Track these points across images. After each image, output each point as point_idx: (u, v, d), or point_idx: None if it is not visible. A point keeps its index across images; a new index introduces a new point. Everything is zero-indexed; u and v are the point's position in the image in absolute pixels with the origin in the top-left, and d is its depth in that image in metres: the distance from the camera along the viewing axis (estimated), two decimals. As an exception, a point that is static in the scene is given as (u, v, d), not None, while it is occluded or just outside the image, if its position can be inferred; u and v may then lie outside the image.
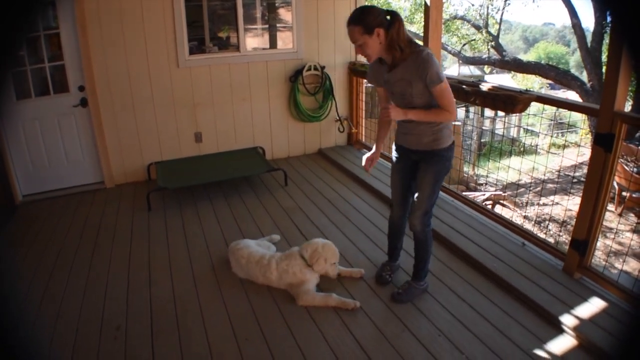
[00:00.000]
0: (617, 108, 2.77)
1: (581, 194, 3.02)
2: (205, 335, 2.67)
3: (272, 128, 5.58)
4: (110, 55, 4.59)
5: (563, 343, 2.58)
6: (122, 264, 3.49)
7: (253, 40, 5.44)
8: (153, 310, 2.91)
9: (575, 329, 2.61)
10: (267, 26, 5.67)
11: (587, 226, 2.96)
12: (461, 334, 2.65)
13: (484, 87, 3.74)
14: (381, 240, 3.72)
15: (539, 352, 2.50)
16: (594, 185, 2.88)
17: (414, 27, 15.21)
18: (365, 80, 6.28)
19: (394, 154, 2.98)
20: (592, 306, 2.77)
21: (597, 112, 2.86)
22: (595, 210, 2.90)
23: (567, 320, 2.67)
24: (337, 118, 5.88)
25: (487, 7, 13.66)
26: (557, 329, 2.67)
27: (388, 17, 2.50)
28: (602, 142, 2.80)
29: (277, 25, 5.64)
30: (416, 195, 2.82)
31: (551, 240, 6.14)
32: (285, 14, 5.44)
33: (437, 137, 2.68)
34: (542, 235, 4.78)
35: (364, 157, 2.94)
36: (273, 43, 5.61)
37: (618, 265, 5.18)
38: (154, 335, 2.67)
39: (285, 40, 5.51)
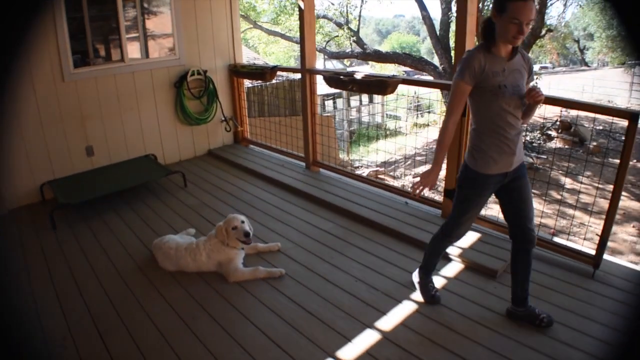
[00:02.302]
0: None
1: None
2: (153, 325, 2.85)
3: (162, 134, 5.71)
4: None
5: (453, 268, 3.30)
6: (44, 282, 3.44)
7: (136, 49, 5.48)
8: (93, 314, 2.97)
9: (460, 256, 3.35)
10: (148, 34, 5.74)
11: (454, 178, 3.65)
12: (373, 277, 3.22)
13: (359, 75, 4.34)
14: (286, 219, 4.21)
15: (438, 279, 3.15)
16: (455, 146, 3.59)
17: (278, 27, 15.85)
18: (246, 81, 6.67)
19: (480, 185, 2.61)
20: (470, 238, 3.52)
21: (449, 86, 3.56)
22: (459, 164, 3.60)
23: (453, 251, 3.38)
24: (223, 119, 6.19)
25: (346, 6, 14.70)
26: (447, 259, 3.38)
27: None
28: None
29: (158, 33, 5.73)
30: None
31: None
32: (165, 22, 5.55)
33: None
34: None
35: (418, 179, 2.57)
36: (155, 51, 5.71)
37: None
38: (103, 335, 2.76)
39: (167, 47, 5.65)
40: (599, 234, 3.14)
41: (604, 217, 3.10)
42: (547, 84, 25.93)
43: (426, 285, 2.97)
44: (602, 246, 3.10)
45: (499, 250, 3.39)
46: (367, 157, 10.87)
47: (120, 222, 4.34)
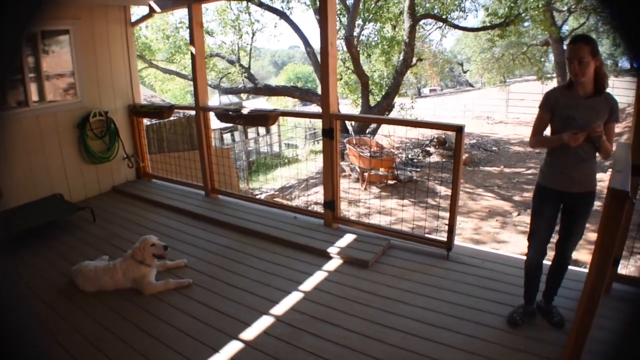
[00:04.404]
0: (332, 111, 4.31)
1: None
2: (80, 335, 3.26)
3: (67, 173, 5.99)
4: None
5: (334, 263, 4.12)
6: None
7: (42, 92, 5.66)
8: None
9: (339, 253, 4.16)
10: (51, 77, 5.87)
11: (331, 190, 4.47)
12: (267, 278, 3.94)
13: (245, 111, 5.08)
14: (190, 240, 4.80)
15: (320, 273, 3.93)
16: (328, 162, 4.42)
17: (174, 66, 16.32)
18: (145, 120, 7.15)
19: (540, 195, 3.09)
20: (347, 238, 4.38)
21: (321, 115, 4.38)
22: (334, 178, 4.43)
23: (333, 250, 4.20)
24: (125, 156, 6.62)
25: (238, 45, 15.54)
26: (328, 257, 4.19)
27: None
28: (327, 134, 4.34)
29: (61, 75, 5.87)
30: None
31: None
32: (66, 65, 5.82)
33: (595, 176, 2.93)
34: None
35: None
36: (57, 94, 5.89)
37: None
38: None
39: (68, 90, 5.91)
40: (447, 223, 4.08)
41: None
42: (433, 106, 28.46)
43: (517, 311, 3.25)
44: (451, 232, 4.03)
45: (370, 245, 4.24)
46: (267, 185, 11.66)
47: (36, 257, 4.59)
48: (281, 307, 3.48)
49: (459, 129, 3.83)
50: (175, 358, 2.99)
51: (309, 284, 3.78)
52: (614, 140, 2.83)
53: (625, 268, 4.53)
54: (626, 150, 2.86)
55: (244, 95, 23.28)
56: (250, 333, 3.19)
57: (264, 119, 4.85)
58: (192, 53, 5.52)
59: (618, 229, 2.04)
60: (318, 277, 3.89)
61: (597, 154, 2.82)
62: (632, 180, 2.91)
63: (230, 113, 5.17)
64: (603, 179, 6.80)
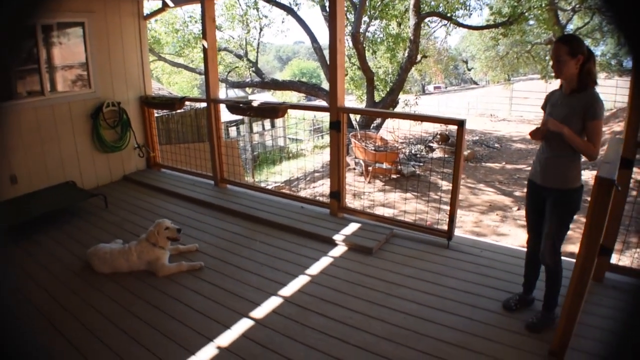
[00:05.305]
0: (339, 104, 4.48)
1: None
2: (98, 312, 3.46)
3: (80, 162, 6.19)
4: None
5: (339, 250, 4.30)
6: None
7: (56, 82, 5.89)
8: (43, 311, 3.48)
9: (344, 240, 4.33)
10: (65, 68, 6.07)
11: (337, 181, 4.64)
12: (274, 262, 4.14)
13: (255, 103, 5.24)
14: (201, 227, 4.98)
15: (326, 258, 4.12)
16: (335, 154, 4.59)
17: (181, 59, 16.50)
18: (156, 111, 7.33)
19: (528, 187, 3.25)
20: (352, 227, 4.56)
21: (329, 109, 4.55)
22: (340, 169, 4.60)
23: (339, 238, 4.38)
24: (136, 146, 6.81)
25: (245, 39, 15.70)
26: (334, 244, 4.38)
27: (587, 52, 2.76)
28: (334, 127, 4.51)
29: (75, 66, 6.10)
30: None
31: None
32: (80, 57, 6.02)
33: (568, 174, 2.92)
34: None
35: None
36: (72, 84, 6.10)
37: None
38: (55, 324, 3.35)
39: (82, 80, 6.12)
40: (448, 213, 4.26)
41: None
42: (437, 103, 28.61)
43: (513, 298, 3.40)
44: (451, 221, 4.21)
45: (374, 234, 4.42)
46: (272, 178, 11.86)
47: (51, 242, 4.77)
48: (289, 289, 3.67)
49: (460, 123, 4.00)
50: (189, 333, 3.18)
51: (315, 269, 3.97)
52: (599, 139, 2.76)
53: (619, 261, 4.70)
54: (617, 144, 3.03)
55: (249, 90, 23.44)
56: (260, 312, 3.38)
57: (274, 111, 5.03)
58: (204, 47, 5.69)
59: (604, 215, 2.22)
60: (324, 262, 4.07)
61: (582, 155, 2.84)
62: (624, 173, 3.10)
63: (241, 105, 5.35)
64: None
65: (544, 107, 3.08)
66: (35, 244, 4.77)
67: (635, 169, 3.42)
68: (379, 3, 14.88)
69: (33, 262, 4.37)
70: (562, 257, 3.08)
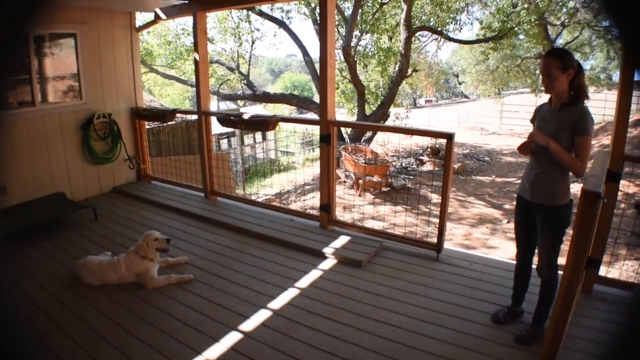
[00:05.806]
0: (329, 118, 4.50)
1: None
2: (87, 326, 3.42)
3: (70, 173, 6.15)
4: None
5: (329, 263, 4.29)
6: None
7: (47, 92, 5.86)
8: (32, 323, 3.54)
9: (334, 253, 4.33)
10: (56, 79, 6.04)
11: (327, 194, 4.65)
12: (264, 275, 4.11)
13: (246, 116, 5.27)
14: (190, 239, 4.96)
15: (316, 271, 4.10)
16: (325, 167, 4.61)
17: (174, 71, 16.54)
18: (147, 122, 7.33)
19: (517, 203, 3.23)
20: (342, 240, 4.56)
21: (319, 122, 4.58)
22: (330, 181, 4.61)
23: (328, 250, 4.37)
24: (127, 157, 6.79)
25: (237, 52, 15.76)
26: (324, 257, 4.37)
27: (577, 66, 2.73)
28: (325, 140, 4.53)
29: (66, 77, 6.07)
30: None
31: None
32: (71, 68, 6.00)
33: (556, 190, 2.89)
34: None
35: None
36: (62, 95, 6.07)
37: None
38: (43, 337, 3.33)
39: (73, 91, 6.10)
40: (437, 225, 4.27)
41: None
42: (428, 116, 28.82)
43: (502, 310, 3.40)
44: (440, 234, 4.22)
45: (363, 247, 4.42)
46: (262, 191, 11.87)
47: (40, 252, 4.74)
48: (278, 302, 3.65)
49: (449, 137, 4.03)
50: (178, 347, 3.15)
51: (304, 281, 3.96)
52: (587, 155, 2.74)
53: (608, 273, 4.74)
54: (604, 157, 3.07)
55: (240, 102, 23.52)
56: (249, 325, 3.36)
57: (265, 124, 5.06)
58: (195, 60, 5.72)
59: (591, 227, 2.24)
60: (313, 275, 4.06)
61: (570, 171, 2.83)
62: (611, 185, 3.13)
63: (232, 118, 5.37)
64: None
65: (532, 121, 3.07)
66: (24, 255, 4.71)
67: (623, 182, 3.47)
68: (370, 17, 15.02)
69: (21, 273, 4.31)
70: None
